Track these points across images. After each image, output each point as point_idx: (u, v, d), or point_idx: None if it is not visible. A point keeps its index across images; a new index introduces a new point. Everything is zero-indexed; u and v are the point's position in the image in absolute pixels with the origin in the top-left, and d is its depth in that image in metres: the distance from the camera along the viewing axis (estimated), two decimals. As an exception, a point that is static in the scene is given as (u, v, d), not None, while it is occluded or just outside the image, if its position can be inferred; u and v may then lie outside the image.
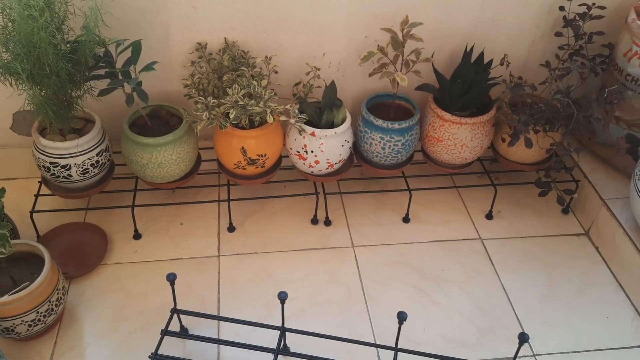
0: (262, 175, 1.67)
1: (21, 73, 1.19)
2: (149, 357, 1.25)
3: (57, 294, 1.33)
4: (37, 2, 1.10)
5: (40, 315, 1.29)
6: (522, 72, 1.80)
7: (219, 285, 1.56)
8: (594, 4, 1.61)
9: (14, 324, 1.26)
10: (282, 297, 1.22)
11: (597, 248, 1.72)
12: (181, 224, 1.73)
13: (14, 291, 1.19)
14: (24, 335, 1.30)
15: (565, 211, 1.83)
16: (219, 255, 1.64)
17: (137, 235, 1.67)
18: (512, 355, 1.25)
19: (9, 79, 1.26)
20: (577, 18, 1.63)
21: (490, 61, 1.65)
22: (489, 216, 1.81)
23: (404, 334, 1.26)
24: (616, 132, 1.70)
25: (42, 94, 1.32)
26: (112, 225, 1.70)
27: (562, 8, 1.66)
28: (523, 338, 1.12)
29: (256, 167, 1.62)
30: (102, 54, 1.41)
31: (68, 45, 1.29)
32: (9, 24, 1.23)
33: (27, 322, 1.27)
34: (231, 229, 1.72)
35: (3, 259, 1.24)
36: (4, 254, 1.21)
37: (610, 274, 1.64)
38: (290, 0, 1.56)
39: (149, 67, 1.43)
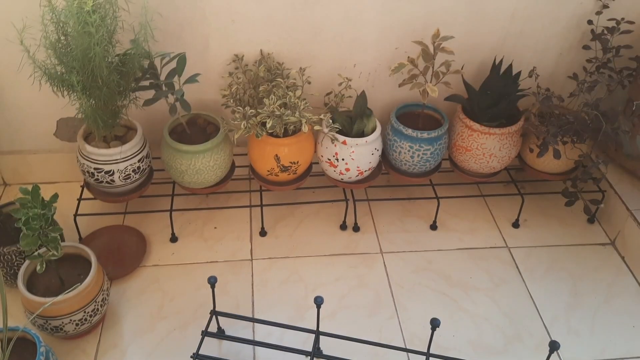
0: (294, 182, 1.72)
1: (76, 85, 1.25)
2: (191, 357, 1.30)
3: (102, 294, 1.40)
4: (95, 19, 1.17)
5: (87, 315, 1.36)
6: (549, 83, 1.83)
7: (252, 287, 1.61)
8: (622, 18, 1.63)
9: (62, 322, 1.32)
10: (319, 302, 1.26)
11: (623, 258, 1.74)
12: (215, 227, 1.79)
13: (67, 291, 1.25)
14: (72, 333, 1.37)
15: (591, 221, 1.85)
16: (251, 259, 1.70)
17: (173, 238, 1.73)
18: (540, 362, 1.28)
19: (62, 89, 1.33)
20: (605, 32, 1.65)
21: (519, 73, 1.69)
22: (516, 225, 1.84)
23: (432, 340, 1.30)
24: (643, 144, 1.73)
25: (92, 103, 1.38)
26: (149, 228, 1.76)
27: (590, 22, 1.69)
28: (554, 346, 1.15)
29: (288, 174, 1.67)
30: (147, 66, 1.47)
31: (117, 57, 1.36)
32: (62, 38, 1.30)
33: (75, 321, 1.34)
34: (263, 233, 1.77)
35: (53, 260, 1.31)
36: (55, 256, 1.28)
37: (636, 284, 1.67)
38: (324, 14, 1.61)
39: (192, 80, 1.48)
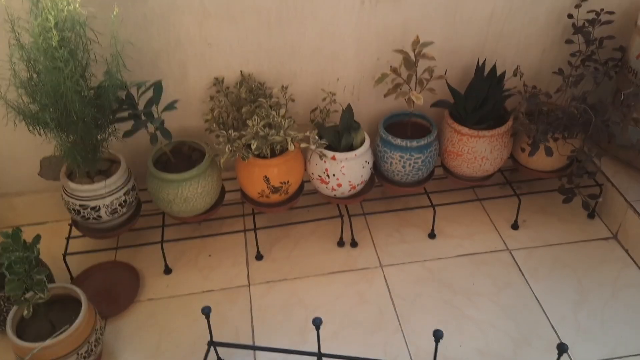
0: (286, 202, 1.69)
1: (50, 122, 1.23)
2: (190, 391, 1.26)
3: (95, 334, 1.36)
4: (62, 53, 1.15)
5: (81, 357, 1.31)
6: (535, 81, 1.81)
7: (251, 314, 1.57)
8: (602, 9, 1.62)
9: (55, 367, 1.29)
10: (317, 323, 1.23)
11: (626, 251, 1.71)
12: (209, 255, 1.75)
13: (55, 335, 1.21)
14: (66, 377, 1.33)
15: (591, 216, 1.82)
16: (249, 285, 1.66)
17: (167, 270, 1.70)
18: (551, 366, 1.24)
19: (38, 128, 1.30)
20: (587, 24, 1.64)
21: (504, 73, 1.67)
22: (515, 226, 1.80)
23: (439, 352, 1.26)
24: (636, 134, 1.70)
25: (70, 140, 1.35)
26: (142, 262, 1.72)
27: (570, 16, 1.67)
28: (562, 348, 1.12)
29: (280, 195, 1.64)
30: (124, 97, 1.45)
31: (92, 91, 1.34)
32: (34, 76, 1.28)
33: (68, 364, 1.30)
34: (259, 257, 1.74)
35: (41, 303, 1.27)
36: (42, 299, 1.24)
37: (642, 276, 1.64)
38: (301, 30, 1.60)
39: (170, 107, 1.46)
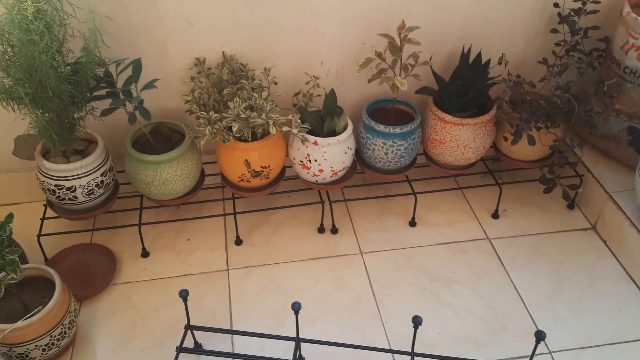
0: (267, 187, 1.67)
1: (24, 97, 1.19)
2: (166, 375, 1.25)
3: (70, 316, 1.33)
4: (37, 26, 1.11)
5: (54, 339, 1.29)
6: (519, 69, 1.80)
7: (229, 298, 1.56)
8: (588, -1, 1.62)
9: (27, 349, 1.26)
10: (296, 307, 1.22)
11: (604, 241, 1.72)
12: (188, 239, 1.73)
13: (27, 316, 1.18)
14: (39, 360, 1.30)
15: (570, 206, 1.83)
16: (227, 269, 1.64)
17: (144, 254, 1.67)
18: (527, 354, 1.25)
19: (12, 104, 1.26)
20: (572, 14, 1.64)
21: (489, 61, 1.66)
22: (495, 215, 1.81)
23: (417, 338, 1.26)
24: (617, 125, 1.70)
25: (45, 117, 1.32)
26: (119, 245, 1.69)
27: (556, 5, 1.67)
28: (540, 336, 1.12)
29: (260, 179, 1.62)
30: (102, 74, 1.41)
31: (68, 67, 1.30)
32: (9, 49, 1.23)
33: (41, 346, 1.27)
34: (238, 242, 1.72)
35: (14, 284, 1.24)
36: (15, 280, 1.21)
37: (619, 267, 1.65)
38: (283, 9, 1.57)
39: (150, 85, 1.43)
